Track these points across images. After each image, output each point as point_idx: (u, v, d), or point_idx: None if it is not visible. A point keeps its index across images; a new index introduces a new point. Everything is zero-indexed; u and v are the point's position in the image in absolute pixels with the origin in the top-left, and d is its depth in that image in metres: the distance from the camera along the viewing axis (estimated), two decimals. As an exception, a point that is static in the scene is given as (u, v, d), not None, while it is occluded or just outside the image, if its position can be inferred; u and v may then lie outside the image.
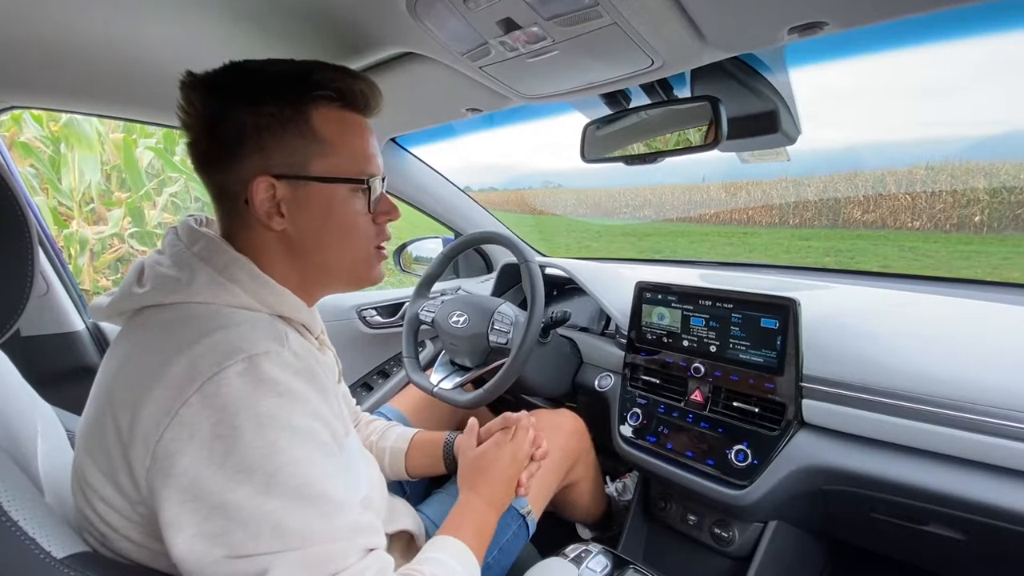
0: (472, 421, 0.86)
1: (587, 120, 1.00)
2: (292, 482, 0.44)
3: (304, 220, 0.56)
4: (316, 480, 0.45)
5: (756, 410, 0.89)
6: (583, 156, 1.02)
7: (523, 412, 0.86)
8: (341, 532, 0.46)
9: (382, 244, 0.63)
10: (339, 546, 0.45)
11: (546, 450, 0.84)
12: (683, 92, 0.90)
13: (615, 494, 1.22)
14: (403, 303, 1.62)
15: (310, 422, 0.47)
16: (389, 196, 0.63)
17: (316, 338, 0.63)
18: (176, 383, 0.44)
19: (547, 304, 1.32)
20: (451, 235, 1.74)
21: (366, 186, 0.58)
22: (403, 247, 1.74)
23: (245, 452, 0.43)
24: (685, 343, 1.00)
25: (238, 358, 0.45)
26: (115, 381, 0.49)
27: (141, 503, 0.47)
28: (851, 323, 0.92)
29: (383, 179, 0.61)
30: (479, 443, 0.82)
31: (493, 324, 1.09)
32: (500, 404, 1.18)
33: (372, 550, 0.49)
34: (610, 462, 1.22)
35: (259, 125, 0.53)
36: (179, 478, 0.42)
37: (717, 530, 0.97)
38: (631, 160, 0.98)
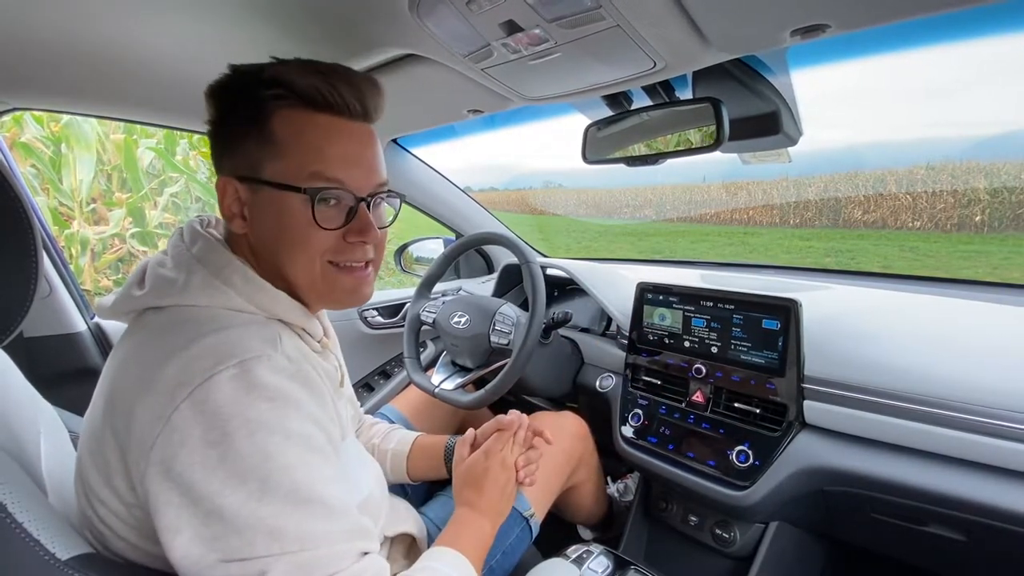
0: (469, 431, 0.85)
1: (589, 121, 1.00)
2: (285, 487, 0.43)
3: (260, 225, 0.54)
4: (310, 483, 0.45)
5: (757, 411, 0.89)
6: (584, 157, 1.02)
7: (512, 412, 0.85)
8: (337, 535, 0.46)
9: (343, 261, 0.56)
10: (335, 549, 0.45)
11: (549, 437, 0.83)
12: (685, 93, 0.90)
13: (616, 495, 1.22)
14: (404, 304, 1.62)
15: (303, 425, 0.47)
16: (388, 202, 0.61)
17: (318, 342, 0.62)
18: (168, 388, 0.44)
19: (548, 305, 1.32)
20: (452, 236, 1.74)
21: (306, 195, 0.52)
22: (404, 247, 1.74)
23: (237, 459, 0.42)
24: (686, 344, 1.00)
25: (229, 363, 0.45)
26: (113, 384, 0.49)
27: (136, 506, 0.47)
28: (852, 324, 0.92)
29: (385, 193, 0.57)
30: (472, 451, 0.80)
31: (494, 325, 1.10)
32: (501, 405, 1.18)
33: (367, 554, 0.49)
34: (611, 463, 1.22)
35: (227, 124, 0.54)
36: (174, 483, 0.42)
37: (718, 531, 0.97)
38: (632, 161, 0.98)
